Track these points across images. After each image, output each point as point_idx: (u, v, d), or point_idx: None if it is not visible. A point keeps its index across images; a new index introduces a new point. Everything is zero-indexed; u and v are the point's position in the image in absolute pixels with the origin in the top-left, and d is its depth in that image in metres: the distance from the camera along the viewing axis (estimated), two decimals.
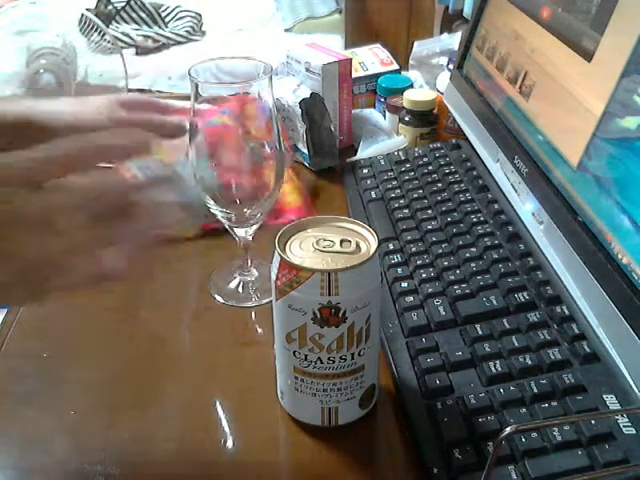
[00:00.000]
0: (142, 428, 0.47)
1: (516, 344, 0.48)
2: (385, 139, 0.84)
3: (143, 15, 2.46)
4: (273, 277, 0.42)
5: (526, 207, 0.61)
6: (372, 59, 0.97)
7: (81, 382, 0.51)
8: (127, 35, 2.35)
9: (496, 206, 0.63)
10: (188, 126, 0.52)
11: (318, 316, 0.40)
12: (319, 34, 2.41)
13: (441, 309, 0.53)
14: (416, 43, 1.03)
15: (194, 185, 0.54)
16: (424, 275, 0.57)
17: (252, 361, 0.52)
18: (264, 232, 0.55)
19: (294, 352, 0.43)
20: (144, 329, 0.56)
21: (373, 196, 0.71)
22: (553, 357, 0.47)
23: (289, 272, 0.40)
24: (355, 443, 0.46)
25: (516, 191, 0.63)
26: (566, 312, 0.50)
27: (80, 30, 1.99)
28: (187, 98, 0.56)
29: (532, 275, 0.54)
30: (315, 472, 0.44)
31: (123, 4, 2.45)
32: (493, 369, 0.46)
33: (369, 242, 0.42)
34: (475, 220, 0.62)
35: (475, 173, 0.69)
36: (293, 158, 0.80)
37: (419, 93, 0.83)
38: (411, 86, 0.90)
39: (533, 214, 0.59)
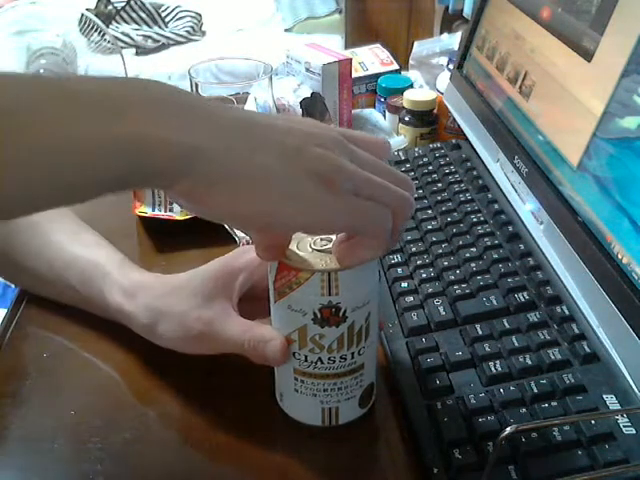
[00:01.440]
0: (142, 428, 0.47)
1: (516, 344, 0.48)
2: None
3: (143, 15, 2.46)
4: (271, 279, 0.42)
5: (526, 207, 0.61)
6: (372, 59, 0.97)
7: (81, 382, 0.51)
8: (127, 35, 2.35)
9: (496, 206, 0.63)
10: None
11: (319, 316, 0.40)
12: (319, 34, 2.41)
13: (441, 309, 0.53)
14: (416, 43, 1.03)
15: None
16: (424, 275, 0.57)
17: (251, 362, 0.52)
18: None
19: (294, 353, 0.43)
20: None
21: None
22: (553, 357, 0.47)
23: (288, 273, 0.40)
24: (355, 443, 0.46)
25: (516, 191, 0.63)
26: (566, 312, 0.50)
27: (80, 30, 1.99)
28: None
29: (532, 275, 0.54)
30: (315, 472, 0.44)
31: (123, 4, 2.45)
32: (493, 369, 0.46)
33: None
34: (475, 220, 0.62)
35: (475, 173, 0.69)
36: None
37: (419, 93, 0.83)
38: (411, 86, 0.90)
39: (533, 214, 0.59)
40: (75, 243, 0.55)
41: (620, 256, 0.47)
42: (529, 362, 0.46)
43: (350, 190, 0.36)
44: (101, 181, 0.34)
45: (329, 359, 0.42)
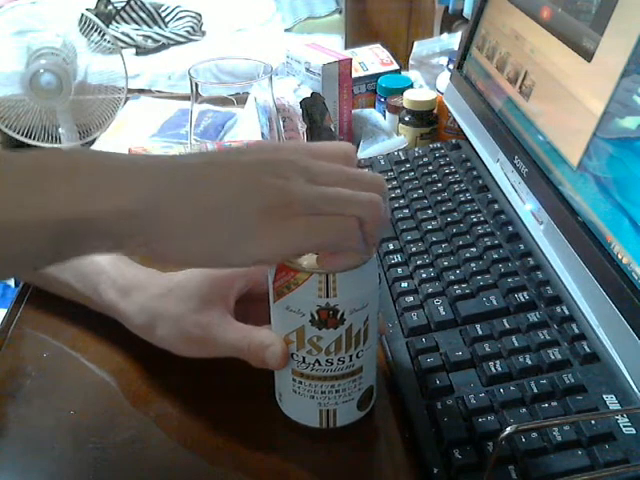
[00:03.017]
0: (142, 428, 0.47)
1: (516, 344, 0.48)
2: (385, 139, 0.84)
3: (143, 15, 2.46)
4: (270, 279, 0.42)
5: (526, 207, 0.61)
6: (372, 59, 0.97)
7: (81, 382, 0.51)
8: (127, 35, 2.35)
9: (496, 206, 0.63)
10: None
11: (316, 318, 0.40)
12: (319, 34, 2.41)
13: (441, 309, 0.53)
14: (416, 43, 1.03)
15: None
16: (424, 275, 0.57)
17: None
18: None
19: (292, 354, 0.43)
20: None
21: None
22: (553, 357, 0.47)
23: (286, 274, 0.40)
24: (355, 444, 0.46)
25: (516, 191, 0.63)
26: (566, 312, 0.50)
27: (80, 30, 1.99)
28: (187, 98, 0.57)
29: (532, 275, 0.54)
30: (315, 472, 0.44)
31: (123, 4, 2.45)
32: (493, 369, 0.46)
33: None
34: (475, 220, 0.62)
35: (475, 173, 0.69)
36: None
37: (419, 93, 0.83)
38: (411, 86, 0.90)
39: (533, 214, 0.59)
40: None
41: (620, 256, 0.47)
42: (529, 362, 0.46)
43: (308, 212, 0.36)
44: (33, 260, 0.34)
45: (327, 361, 0.42)
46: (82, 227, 0.33)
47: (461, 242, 0.59)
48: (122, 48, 2.05)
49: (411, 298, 0.55)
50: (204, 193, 0.35)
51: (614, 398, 0.43)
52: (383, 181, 0.40)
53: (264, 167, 0.36)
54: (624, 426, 0.41)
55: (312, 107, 0.78)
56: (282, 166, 0.36)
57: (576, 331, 0.48)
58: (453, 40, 1.03)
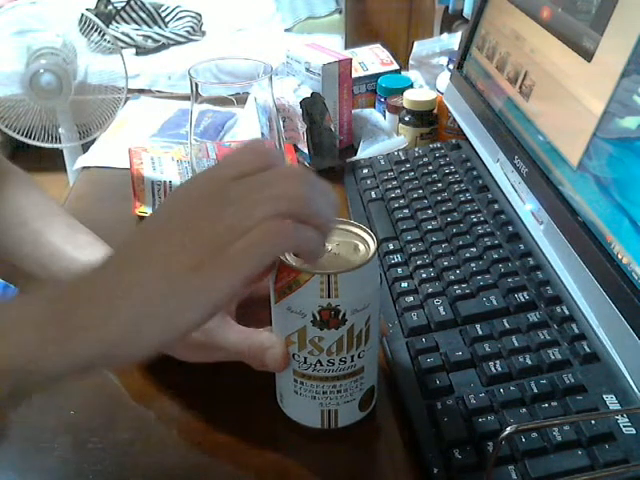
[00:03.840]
0: (142, 428, 0.47)
1: (516, 344, 0.48)
2: (385, 139, 0.84)
3: (143, 15, 2.46)
4: (272, 280, 0.42)
5: (526, 207, 0.61)
6: (372, 59, 0.97)
7: (81, 382, 0.51)
8: (127, 35, 2.35)
9: (496, 206, 0.63)
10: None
11: (318, 318, 0.40)
12: (319, 34, 2.41)
13: (441, 309, 0.53)
14: (416, 43, 1.03)
15: None
16: (424, 275, 0.57)
17: None
18: None
19: (293, 355, 0.43)
20: None
21: (373, 196, 0.71)
22: (553, 357, 0.47)
23: (288, 275, 0.40)
24: (355, 444, 0.46)
25: (516, 191, 0.63)
26: (566, 312, 0.50)
27: (80, 30, 1.99)
28: (187, 98, 0.57)
29: (532, 275, 0.54)
30: (315, 473, 0.44)
31: (123, 4, 2.45)
32: (493, 369, 0.47)
33: (368, 244, 0.42)
34: (475, 220, 0.62)
35: (475, 173, 0.69)
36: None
37: (419, 93, 0.83)
38: (411, 86, 0.90)
39: (533, 214, 0.59)
40: (69, 245, 0.55)
41: (620, 256, 0.47)
42: (529, 362, 0.47)
43: (236, 237, 0.35)
44: None
45: (328, 362, 0.42)
46: (29, 374, 0.35)
47: (461, 242, 0.59)
48: (122, 48, 2.05)
49: (411, 298, 0.55)
50: (134, 272, 0.36)
51: (614, 398, 0.43)
52: (296, 167, 0.40)
53: (182, 223, 0.36)
54: (624, 426, 0.41)
55: (312, 107, 0.78)
56: (201, 207, 0.36)
57: (576, 331, 0.48)
58: (453, 40, 1.03)
